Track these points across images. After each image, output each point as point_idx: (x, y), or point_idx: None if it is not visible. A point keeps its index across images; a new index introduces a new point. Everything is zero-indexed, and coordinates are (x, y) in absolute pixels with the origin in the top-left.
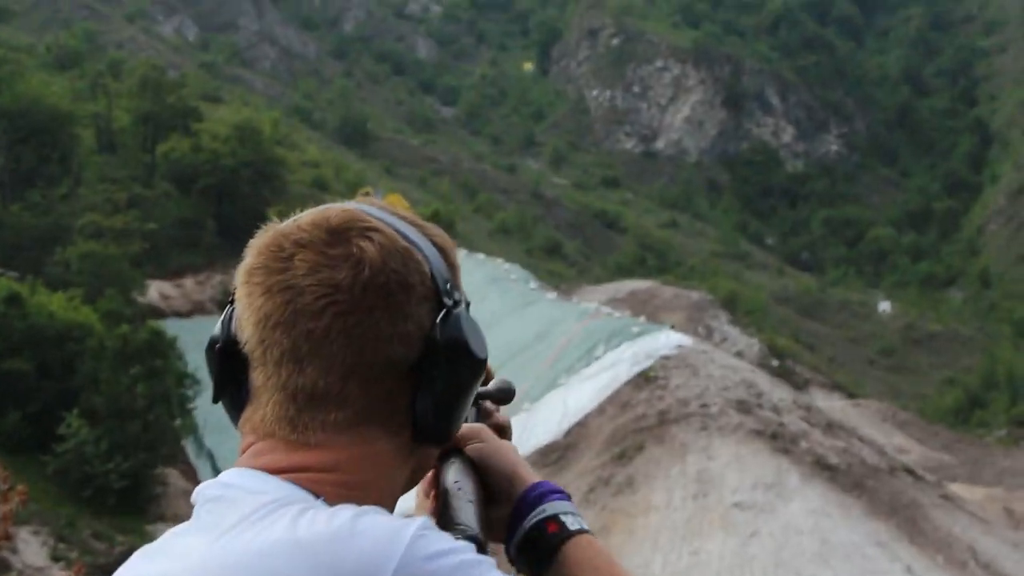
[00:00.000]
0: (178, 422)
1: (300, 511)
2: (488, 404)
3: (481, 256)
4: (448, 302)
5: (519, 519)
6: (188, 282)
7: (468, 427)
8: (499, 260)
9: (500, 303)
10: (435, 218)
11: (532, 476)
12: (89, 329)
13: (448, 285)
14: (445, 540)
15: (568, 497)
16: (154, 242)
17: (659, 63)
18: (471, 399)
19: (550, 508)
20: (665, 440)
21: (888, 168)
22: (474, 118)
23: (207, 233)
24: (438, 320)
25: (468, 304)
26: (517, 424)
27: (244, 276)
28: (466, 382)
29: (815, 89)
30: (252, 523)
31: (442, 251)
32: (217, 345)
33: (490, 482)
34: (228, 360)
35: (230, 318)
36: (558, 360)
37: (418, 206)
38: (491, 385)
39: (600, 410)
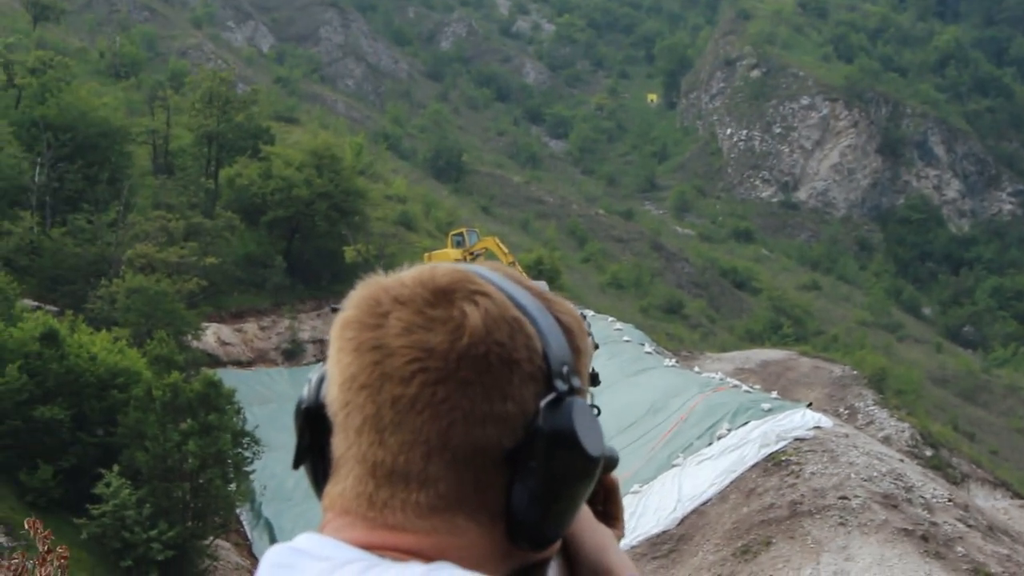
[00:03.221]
0: (233, 487)
1: (367, 566)
2: None
3: (590, 313)
4: (561, 387)
5: None
6: (251, 327)
7: None
8: (610, 319)
9: (610, 368)
10: (537, 267)
11: (622, 568)
12: (135, 376)
13: (565, 369)
14: None
15: None
16: (213, 280)
17: (805, 101)
18: (580, 500)
19: None
20: (796, 536)
21: None
22: (587, 154)
23: (275, 272)
24: (543, 405)
25: (593, 402)
26: (626, 508)
27: (337, 330)
28: (572, 480)
29: (987, 139)
30: None
31: (567, 331)
32: (303, 406)
33: (576, 569)
34: (314, 424)
35: (322, 378)
36: (674, 437)
37: (517, 252)
38: None
39: (721, 497)
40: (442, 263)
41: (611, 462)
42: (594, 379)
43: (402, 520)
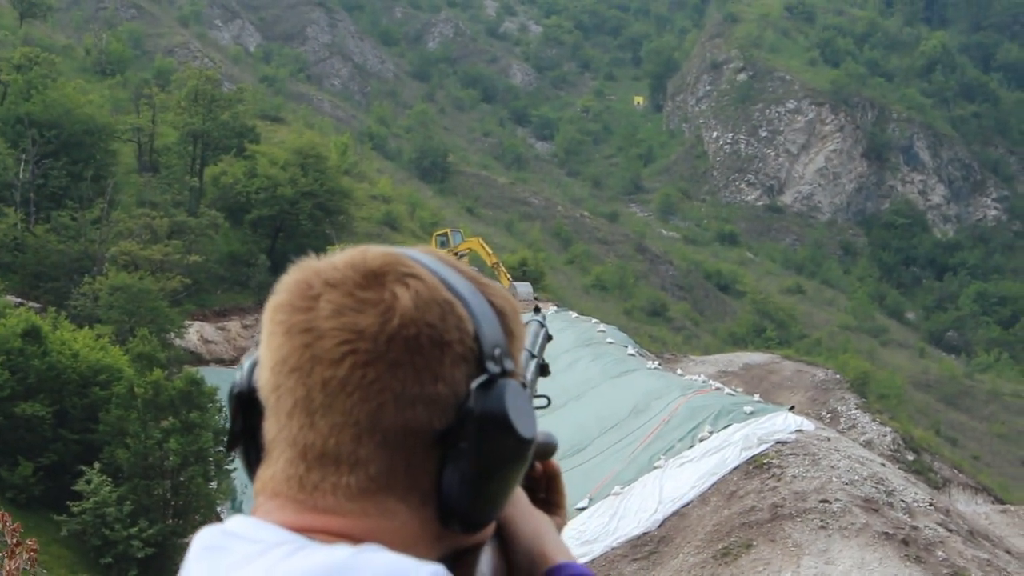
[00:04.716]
0: (214, 485)
1: (295, 549)
2: None
3: (573, 315)
4: (493, 368)
5: None
6: (234, 325)
7: None
8: (594, 320)
9: (592, 370)
10: (522, 268)
11: (557, 553)
12: (117, 373)
13: (498, 351)
14: None
15: None
16: (197, 278)
17: (791, 104)
18: (512, 484)
19: None
20: (777, 539)
21: None
22: (573, 156)
23: (258, 271)
24: (475, 386)
25: (529, 385)
26: (607, 509)
27: (269, 314)
28: (504, 463)
29: (972, 144)
30: (237, 567)
31: (500, 314)
32: (236, 390)
33: (511, 555)
34: (246, 408)
35: (255, 363)
36: (656, 439)
37: (502, 253)
38: None
39: (703, 499)
40: (374, 246)
41: (548, 448)
42: (543, 370)
43: (332, 503)
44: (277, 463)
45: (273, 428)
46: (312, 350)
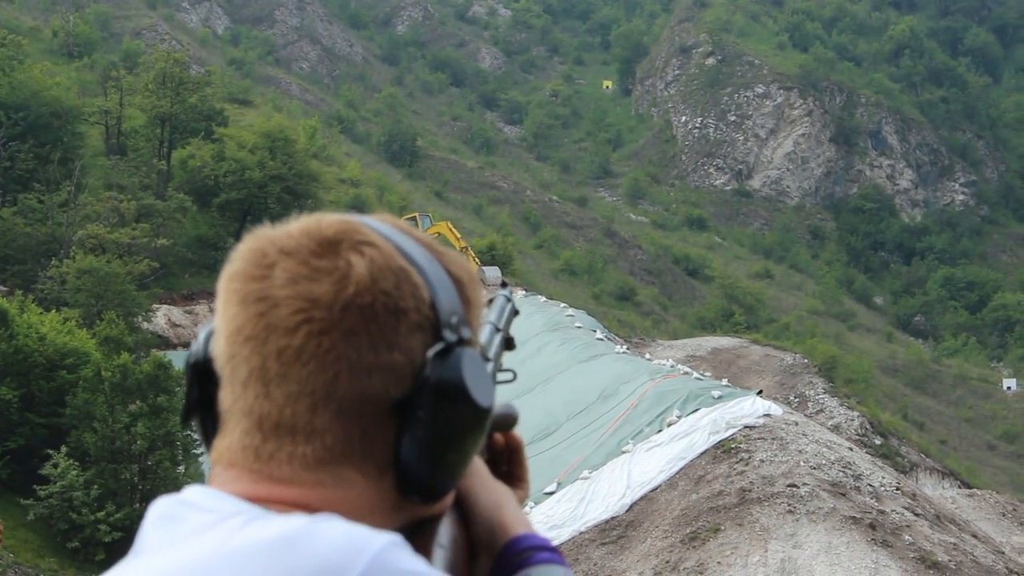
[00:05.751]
0: (182, 469)
1: (249, 519)
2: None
3: (542, 299)
4: (450, 336)
5: None
6: (201, 309)
7: None
8: (562, 304)
9: (561, 354)
10: (490, 252)
11: (517, 524)
12: (84, 357)
13: (454, 319)
14: (420, 562)
15: (561, 558)
16: (164, 261)
17: (760, 89)
18: (470, 453)
19: (536, 573)
20: (745, 523)
21: (1021, 224)
22: (542, 141)
23: (226, 255)
24: (431, 355)
25: (495, 359)
26: (575, 494)
27: (224, 283)
28: (461, 431)
29: (940, 129)
30: (190, 538)
31: (457, 282)
32: (191, 360)
33: (472, 527)
34: (202, 378)
35: (211, 332)
36: (624, 423)
37: (471, 237)
38: None
39: (670, 484)
40: (330, 213)
41: (509, 419)
42: (509, 343)
43: (288, 473)
44: (233, 433)
45: (229, 398)
46: (267, 319)
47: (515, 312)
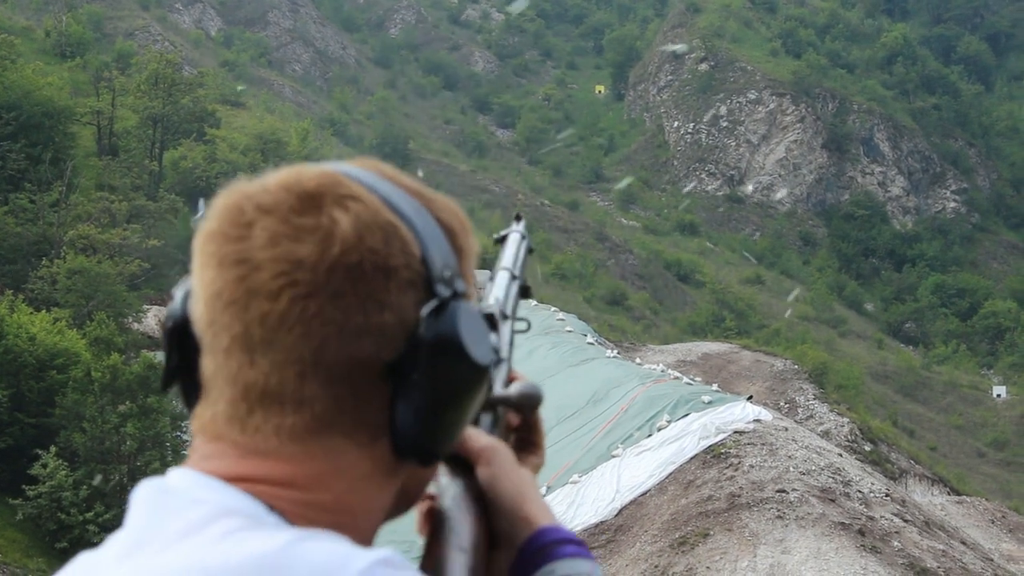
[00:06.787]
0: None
1: (233, 529)
2: (510, 413)
3: (532, 303)
4: (443, 291)
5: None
6: None
7: (487, 442)
8: (553, 308)
9: (551, 358)
10: (482, 257)
11: (542, 516)
12: (74, 357)
13: (447, 272)
14: None
15: (587, 551)
16: (155, 262)
17: (752, 95)
18: (469, 412)
19: (561, 569)
20: (734, 528)
21: (1012, 232)
22: (534, 145)
23: None
24: (426, 313)
25: (490, 315)
26: (564, 498)
27: (199, 244)
28: (459, 390)
29: (933, 136)
30: (173, 542)
31: (448, 231)
32: (169, 324)
33: (493, 519)
34: (182, 342)
35: (188, 293)
36: (614, 428)
37: None
38: (512, 388)
39: (660, 488)
40: (310, 165)
41: (534, 399)
42: (525, 292)
43: (276, 445)
44: (217, 404)
45: (211, 365)
46: (248, 283)
47: (530, 250)
